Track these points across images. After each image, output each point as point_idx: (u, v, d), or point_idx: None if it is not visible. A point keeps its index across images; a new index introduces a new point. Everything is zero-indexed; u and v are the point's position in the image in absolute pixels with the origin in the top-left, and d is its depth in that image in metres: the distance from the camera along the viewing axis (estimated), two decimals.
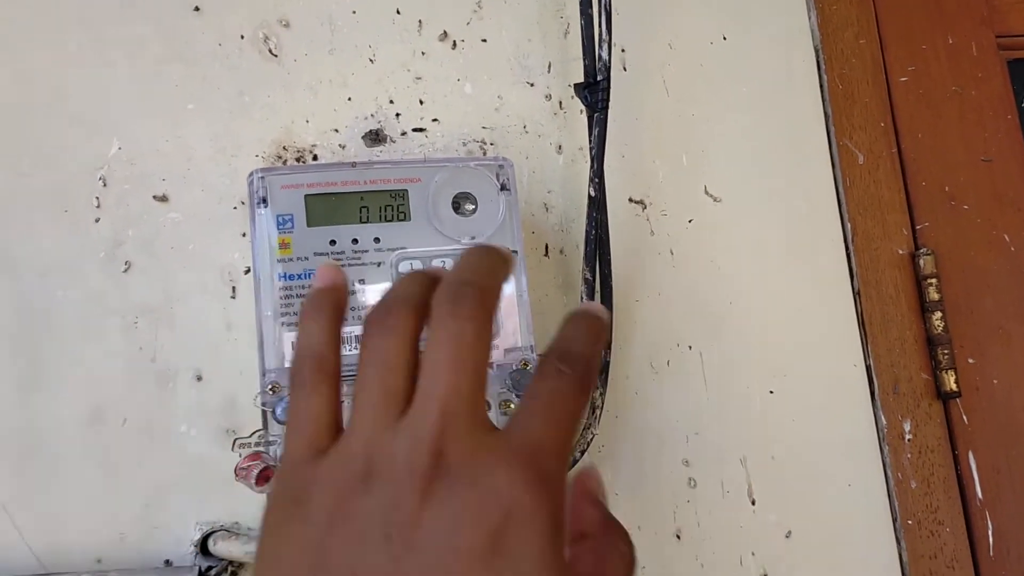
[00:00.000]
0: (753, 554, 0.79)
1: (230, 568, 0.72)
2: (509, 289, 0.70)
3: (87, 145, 0.78)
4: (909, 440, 0.83)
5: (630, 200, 0.85)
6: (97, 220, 0.77)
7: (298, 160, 0.80)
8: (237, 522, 0.73)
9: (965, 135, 0.91)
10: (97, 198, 0.77)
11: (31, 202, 0.76)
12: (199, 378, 0.75)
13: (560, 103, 0.85)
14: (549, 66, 0.86)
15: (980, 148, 0.90)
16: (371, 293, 0.69)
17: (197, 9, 0.82)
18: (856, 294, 0.86)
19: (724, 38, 0.89)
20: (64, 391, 0.73)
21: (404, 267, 0.69)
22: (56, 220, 0.76)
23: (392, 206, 0.71)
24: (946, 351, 0.84)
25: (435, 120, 0.83)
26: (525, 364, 0.69)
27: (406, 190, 0.71)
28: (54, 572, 0.69)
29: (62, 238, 0.76)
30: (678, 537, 0.79)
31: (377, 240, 0.70)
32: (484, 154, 0.82)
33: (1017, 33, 0.94)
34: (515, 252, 0.71)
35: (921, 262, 0.85)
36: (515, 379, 0.68)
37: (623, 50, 0.87)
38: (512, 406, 0.68)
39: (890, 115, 0.90)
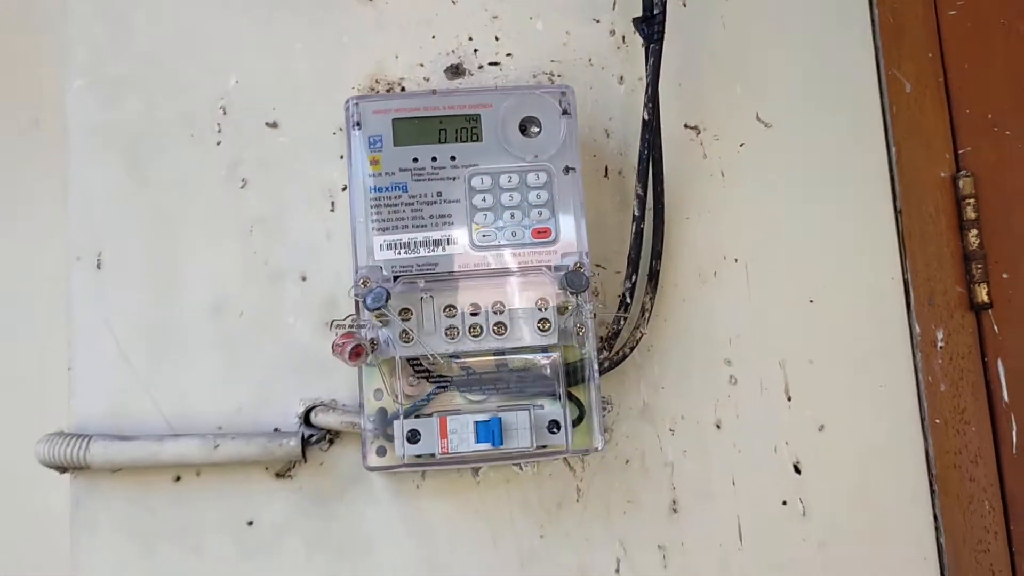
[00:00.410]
0: (787, 443, 0.88)
1: (328, 436, 0.85)
2: (568, 201, 0.80)
3: (210, 79, 0.91)
4: (941, 348, 0.90)
5: (685, 126, 0.93)
6: (218, 143, 0.90)
7: (388, 91, 0.91)
8: (335, 399, 0.86)
9: (1010, 66, 0.95)
10: (218, 124, 0.90)
11: (163, 128, 0.90)
12: (304, 278, 0.88)
13: (623, 38, 0.94)
14: (614, 4, 0.94)
15: None
16: (450, 203, 0.80)
17: None
18: (897, 212, 0.93)
19: None
20: (191, 288, 0.87)
21: (475, 182, 0.80)
22: (183, 143, 0.90)
23: (467, 128, 0.81)
24: (980, 266, 0.90)
25: (509, 55, 0.93)
26: (579, 266, 0.79)
27: (479, 115, 0.82)
28: (183, 433, 0.84)
29: (189, 158, 0.89)
30: (718, 427, 0.88)
31: (453, 158, 0.81)
32: (556, 85, 0.92)
33: None
34: (574, 169, 0.81)
35: (961, 183, 0.91)
36: (570, 278, 0.78)
37: None
38: (568, 308, 0.79)
39: (938, 46, 0.95)
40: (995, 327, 0.91)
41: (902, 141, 0.93)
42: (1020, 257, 0.92)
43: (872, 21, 0.96)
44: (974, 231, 0.90)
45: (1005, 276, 0.91)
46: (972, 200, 0.91)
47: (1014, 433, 0.90)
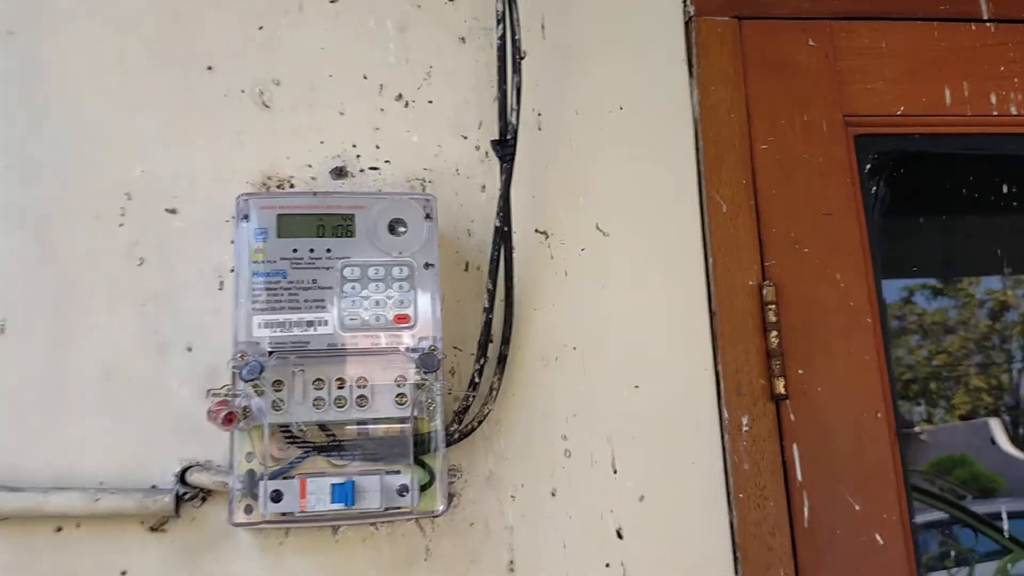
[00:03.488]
0: (612, 512, 1.01)
1: (201, 494, 0.95)
2: (426, 292, 0.93)
3: (118, 167, 1.03)
4: (746, 431, 1.05)
5: (536, 231, 1.08)
6: (121, 225, 1.01)
7: (279, 187, 1.04)
8: (210, 460, 0.96)
9: (811, 193, 1.13)
10: (122, 208, 1.01)
11: (72, 209, 1.01)
12: (190, 350, 0.98)
13: (487, 153, 1.09)
14: (480, 124, 1.10)
15: (822, 204, 1.13)
16: (323, 290, 0.92)
17: (210, 68, 1.07)
18: (712, 314, 1.09)
19: (620, 108, 1.13)
20: (86, 353, 0.97)
21: (347, 272, 0.93)
22: (90, 223, 1.01)
23: (342, 225, 0.94)
24: (779, 362, 1.06)
25: (387, 161, 1.07)
26: (432, 349, 0.92)
27: (353, 214, 0.95)
28: (67, 487, 0.92)
29: (93, 237, 1.00)
30: (553, 495, 1.01)
31: (329, 251, 0.93)
32: (424, 190, 1.06)
33: (861, 114, 1.17)
34: (433, 265, 0.95)
35: (765, 291, 1.08)
36: (423, 359, 0.91)
37: (539, 114, 1.11)
38: (424, 385, 0.91)
39: (751, 174, 1.13)
40: (791, 415, 1.06)
41: (717, 253, 1.09)
42: (813, 356, 1.08)
43: (697, 150, 1.13)
44: (775, 332, 1.07)
45: (800, 372, 1.08)
46: (774, 306, 1.07)
47: (806, 509, 1.04)
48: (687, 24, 1.18)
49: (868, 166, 1.18)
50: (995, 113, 1.18)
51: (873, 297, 1.12)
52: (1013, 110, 1.18)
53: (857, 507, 1.05)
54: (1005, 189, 1.24)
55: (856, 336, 1.10)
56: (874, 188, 1.19)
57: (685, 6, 1.18)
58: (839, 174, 1.15)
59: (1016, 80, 1.19)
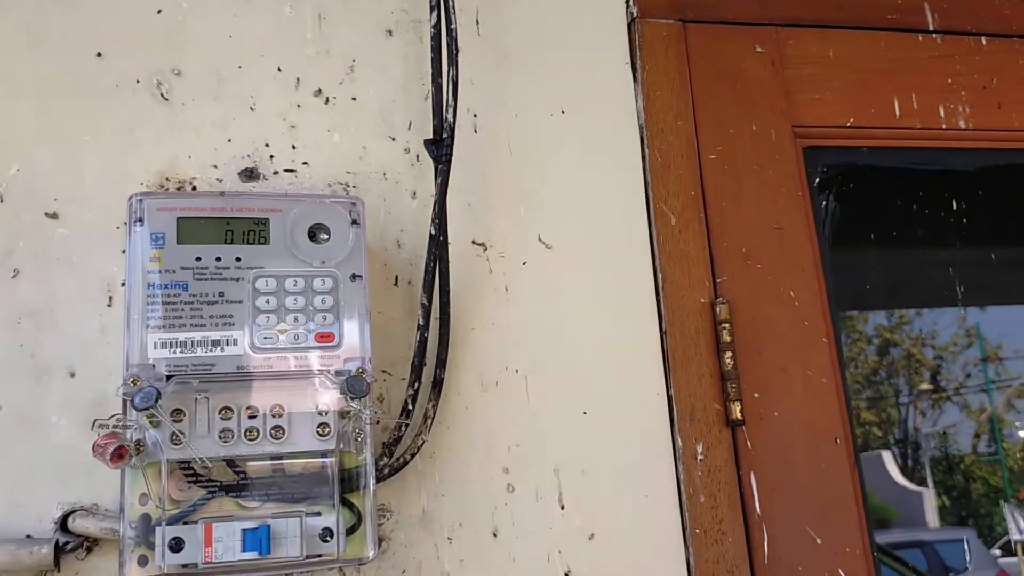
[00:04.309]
0: (560, 552, 0.91)
1: (86, 543, 0.80)
2: (353, 307, 0.82)
3: None
4: (701, 460, 0.97)
5: (473, 242, 0.98)
6: None
7: (179, 189, 0.91)
8: (96, 503, 0.81)
9: (762, 206, 1.07)
10: None
11: None
12: (72, 375, 0.84)
13: (418, 156, 0.99)
14: (410, 124, 0.99)
15: (774, 217, 1.07)
16: (232, 304, 0.80)
17: (99, 55, 0.94)
18: (663, 334, 1.00)
19: (562, 112, 1.04)
20: None
21: (260, 284, 0.81)
22: None
23: (255, 231, 0.82)
24: (734, 385, 0.98)
25: (305, 163, 0.95)
26: (361, 372, 0.81)
27: (268, 218, 0.83)
28: None
29: None
30: (495, 535, 0.90)
31: (238, 259, 0.81)
32: (347, 195, 0.95)
33: (810, 124, 1.12)
34: (360, 276, 0.83)
35: (718, 309, 1.00)
36: (351, 383, 0.79)
37: (475, 115, 1.02)
38: (350, 414, 0.80)
39: (700, 186, 1.06)
40: (748, 443, 0.99)
41: (667, 268, 1.01)
42: (768, 378, 1.01)
43: (643, 159, 1.06)
44: (729, 353, 0.99)
45: (756, 396, 1.00)
46: (728, 325, 1.00)
47: (766, 544, 0.97)
48: (630, 26, 1.10)
49: (817, 179, 1.13)
50: (943, 126, 1.15)
51: (828, 315, 1.06)
52: (961, 124, 1.15)
53: (819, 540, 0.97)
54: (955, 206, 1.20)
55: (812, 357, 1.03)
56: (824, 202, 1.14)
57: (628, 7, 1.11)
58: (789, 186, 1.09)
59: (963, 93, 1.16)
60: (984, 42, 1.21)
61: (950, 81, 1.16)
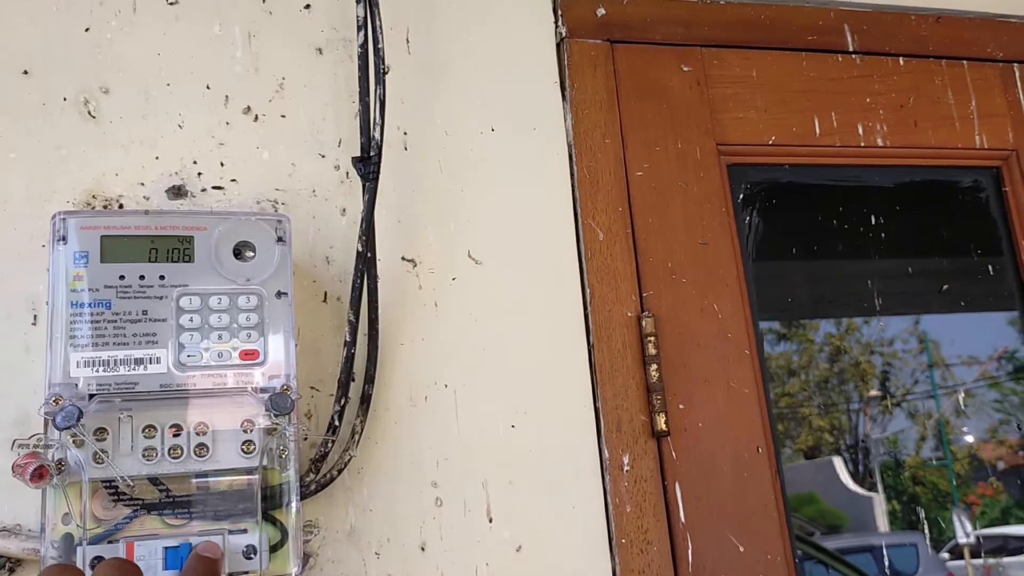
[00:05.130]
0: (487, 565, 0.92)
1: (8, 564, 0.80)
2: (278, 324, 0.83)
3: None
4: (627, 471, 0.99)
5: (402, 258, 0.99)
6: None
7: (105, 207, 0.91)
8: (19, 523, 0.81)
9: (687, 222, 1.10)
10: None
11: None
12: None
13: (347, 173, 0.99)
14: (340, 141, 1.00)
15: (699, 233, 1.10)
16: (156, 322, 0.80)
17: (26, 72, 0.93)
18: (590, 347, 1.02)
19: (492, 129, 1.06)
20: None
21: (184, 302, 0.81)
22: None
23: (179, 249, 0.83)
24: (659, 397, 1.00)
25: (233, 180, 0.96)
26: (286, 389, 0.81)
27: (192, 236, 0.83)
28: None
29: None
30: (423, 549, 0.91)
31: (163, 277, 0.81)
32: (276, 212, 0.95)
33: (734, 143, 1.15)
34: (286, 294, 0.84)
35: (644, 323, 1.03)
36: (274, 400, 0.80)
37: (405, 133, 1.03)
38: (276, 431, 0.80)
39: (627, 202, 1.08)
40: (673, 453, 1.01)
41: (595, 283, 1.03)
42: (693, 390, 1.04)
43: (572, 175, 1.08)
44: (655, 365, 1.01)
45: (681, 407, 1.03)
46: (653, 338, 1.02)
47: (690, 552, 0.99)
48: (559, 45, 1.13)
49: (741, 196, 1.16)
50: (862, 144, 1.19)
51: (750, 328, 1.08)
52: (879, 141, 1.19)
53: (741, 548, 1.00)
54: (873, 220, 1.24)
55: (735, 369, 1.06)
56: (747, 218, 1.17)
57: (557, 27, 1.13)
58: (714, 203, 1.12)
59: (881, 112, 1.20)
60: (902, 62, 1.25)
61: (868, 100, 1.20)
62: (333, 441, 0.88)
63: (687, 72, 1.16)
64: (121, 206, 0.91)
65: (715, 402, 1.04)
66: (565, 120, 1.10)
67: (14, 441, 0.75)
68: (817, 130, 1.18)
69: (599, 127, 1.10)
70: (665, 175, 1.11)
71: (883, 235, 1.24)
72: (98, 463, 0.75)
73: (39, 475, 0.72)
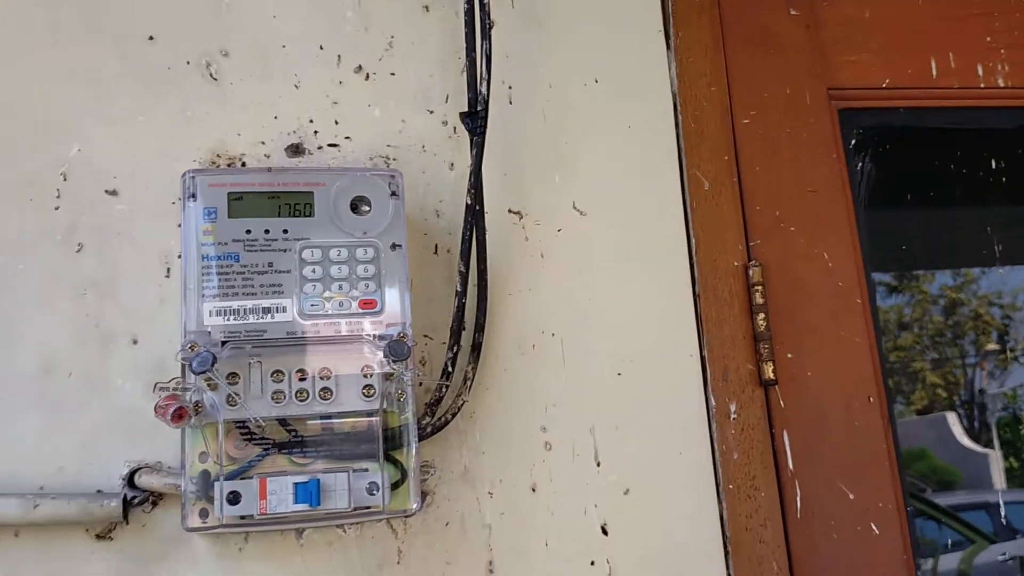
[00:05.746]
0: (596, 506, 0.95)
1: (151, 497, 0.86)
2: (393, 275, 0.86)
3: (52, 146, 0.93)
4: (734, 419, 0.99)
5: (509, 211, 1.01)
6: (57, 208, 0.92)
7: (229, 165, 0.96)
8: (160, 461, 0.88)
9: (796, 169, 1.08)
10: (58, 190, 0.93)
11: (2, 191, 0.91)
12: (135, 342, 0.90)
13: (455, 128, 1.02)
14: (447, 97, 1.03)
15: (808, 181, 1.08)
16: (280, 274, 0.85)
17: (151, 38, 0.98)
18: (696, 296, 1.03)
19: (596, 81, 1.07)
20: (21, 347, 0.88)
21: (306, 254, 0.85)
22: (23, 206, 0.92)
23: (300, 204, 0.87)
24: (767, 346, 1.00)
25: (347, 138, 0.99)
26: (402, 336, 0.85)
27: (312, 192, 0.87)
28: (2, 493, 0.84)
29: (27, 221, 0.91)
30: (533, 490, 0.94)
31: (286, 231, 0.86)
32: (388, 167, 0.99)
33: (846, 86, 1.12)
34: (400, 246, 0.87)
35: (751, 272, 1.02)
36: (392, 347, 0.83)
37: (510, 87, 1.05)
38: (393, 376, 0.84)
39: (733, 150, 1.07)
40: (781, 402, 1.01)
41: (700, 233, 1.04)
42: (802, 339, 1.03)
43: (676, 125, 1.07)
44: (762, 315, 1.01)
45: (789, 356, 1.02)
46: (760, 287, 1.02)
47: (798, 499, 0.99)
48: None
49: (853, 141, 1.13)
50: (982, 85, 1.14)
51: (862, 277, 1.07)
52: (1000, 82, 1.14)
53: (851, 496, 1.00)
54: (993, 164, 1.20)
55: (846, 318, 1.05)
56: (859, 165, 1.15)
57: None
58: (824, 150, 1.10)
59: (1003, 51, 1.15)
60: None
61: (989, 39, 1.15)
62: (447, 386, 0.91)
63: (795, 16, 1.13)
64: (243, 164, 0.96)
65: (825, 351, 1.03)
66: (669, 68, 1.09)
67: (155, 384, 0.81)
68: (934, 71, 1.14)
69: (704, 75, 1.09)
70: (773, 122, 1.09)
71: (1004, 180, 1.20)
72: (231, 405, 0.81)
73: (179, 415, 0.78)
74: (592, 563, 0.94)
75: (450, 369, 0.92)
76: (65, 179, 0.93)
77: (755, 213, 1.06)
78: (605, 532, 0.95)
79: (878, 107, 1.15)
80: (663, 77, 1.09)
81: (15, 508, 0.83)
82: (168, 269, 0.93)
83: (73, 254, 0.91)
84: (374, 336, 0.85)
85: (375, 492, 0.81)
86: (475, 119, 0.94)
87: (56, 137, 0.94)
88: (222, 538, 0.87)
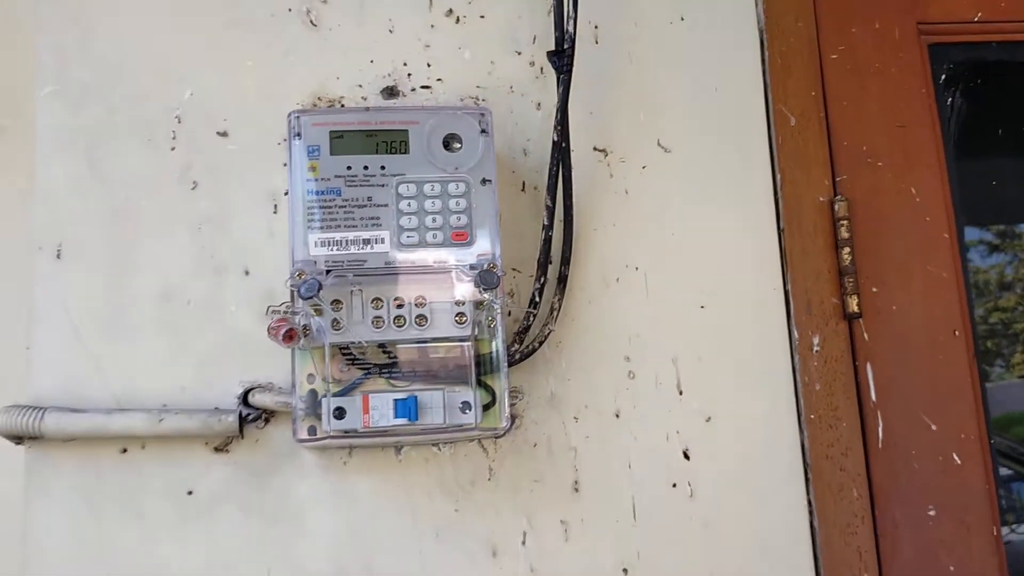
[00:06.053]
0: (678, 432, 0.99)
1: (264, 415, 0.94)
2: (484, 208, 0.91)
3: (167, 90, 1.01)
4: (817, 351, 1.01)
5: (594, 149, 1.04)
6: (173, 149, 0.99)
7: (329, 107, 1.01)
8: (272, 382, 0.95)
9: (884, 105, 1.08)
10: (173, 132, 1.00)
11: (122, 133, 0.99)
12: (247, 272, 0.97)
13: (542, 69, 1.05)
14: (534, 39, 1.06)
15: (896, 116, 1.07)
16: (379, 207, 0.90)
17: None
18: (780, 231, 1.04)
19: (681, 19, 1.08)
20: (143, 277, 0.97)
21: (402, 189, 0.90)
22: (141, 147, 0.99)
23: (396, 142, 0.92)
24: (851, 280, 1.01)
25: (439, 80, 1.04)
26: (492, 266, 0.89)
27: (407, 130, 0.92)
28: (130, 408, 0.92)
29: (145, 161, 0.99)
30: (617, 416, 0.98)
31: (383, 167, 0.91)
32: (476, 106, 1.03)
33: (936, 20, 1.11)
34: (490, 181, 0.92)
35: (837, 207, 1.03)
36: (482, 276, 0.88)
37: (596, 27, 1.07)
38: (483, 304, 0.89)
39: (820, 86, 1.07)
40: (865, 335, 1.02)
41: (786, 168, 1.05)
42: (887, 273, 1.04)
43: (763, 61, 1.08)
44: (847, 249, 1.02)
45: (874, 290, 1.03)
46: (846, 222, 1.03)
47: (880, 430, 1.01)
48: None
49: (943, 76, 1.12)
50: None
51: (951, 212, 1.06)
52: None
53: (933, 427, 1.01)
54: None
55: (933, 252, 1.05)
56: (950, 100, 1.13)
57: None
58: (913, 85, 1.09)
59: None
60: None
61: None
62: (534, 315, 0.96)
63: None
64: (343, 105, 1.02)
65: (910, 285, 1.04)
66: (756, 5, 1.10)
67: (268, 307, 0.88)
68: None
69: (791, 10, 1.09)
70: (861, 57, 1.09)
71: None
72: (336, 330, 0.87)
73: (289, 336, 0.85)
74: (674, 485, 0.98)
75: (537, 300, 0.96)
76: (180, 121, 1.00)
77: (842, 148, 1.06)
78: (687, 457, 0.98)
79: (969, 41, 1.13)
80: (749, 13, 1.09)
81: (142, 422, 0.91)
82: (275, 206, 0.99)
83: (188, 191, 0.99)
84: (465, 266, 0.89)
85: (467, 411, 0.87)
86: (562, 57, 0.96)
87: (171, 81, 1.01)
88: (328, 452, 0.94)
